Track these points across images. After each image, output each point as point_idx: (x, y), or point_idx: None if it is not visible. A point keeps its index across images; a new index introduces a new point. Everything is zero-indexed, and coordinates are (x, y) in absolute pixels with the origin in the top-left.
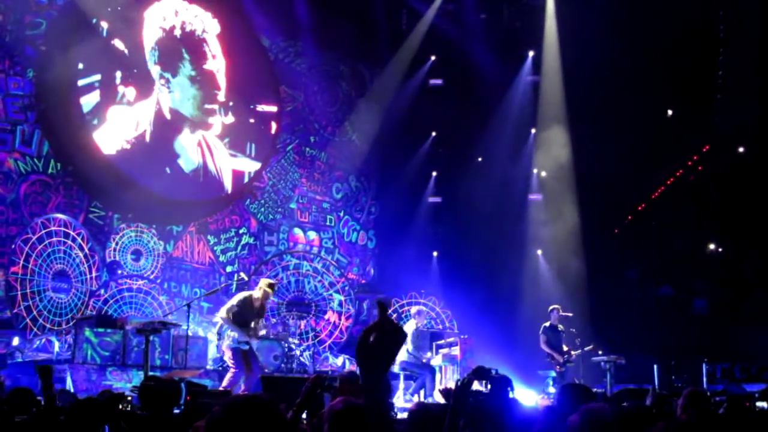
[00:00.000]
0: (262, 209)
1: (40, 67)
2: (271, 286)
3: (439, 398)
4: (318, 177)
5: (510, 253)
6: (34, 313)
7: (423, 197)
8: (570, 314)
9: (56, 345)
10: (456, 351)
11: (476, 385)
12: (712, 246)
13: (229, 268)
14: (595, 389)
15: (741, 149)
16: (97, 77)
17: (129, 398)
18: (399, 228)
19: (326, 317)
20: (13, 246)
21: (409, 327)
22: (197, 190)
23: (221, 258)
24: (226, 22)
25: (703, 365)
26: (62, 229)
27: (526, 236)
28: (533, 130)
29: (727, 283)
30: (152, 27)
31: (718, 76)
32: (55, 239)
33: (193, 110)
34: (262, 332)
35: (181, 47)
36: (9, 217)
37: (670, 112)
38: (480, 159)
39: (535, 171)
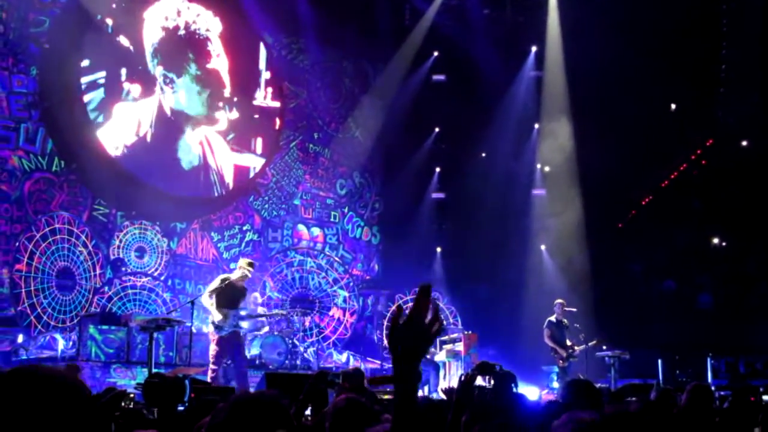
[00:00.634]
0: (266, 206)
1: (43, 65)
2: (250, 264)
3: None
4: (322, 173)
5: (514, 248)
6: (39, 310)
7: (426, 193)
8: (574, 309)
9: (60, 342)
10: (460, 346)
11: (479, 381)
12: (716, 240)
13: (232, 265)
14: (599, 384)
15: (744, 143)
16: (102, 74)
17: (132, 395)
18: (403, 224)
19: (330, 313)
20: (17, 244)
21: None
22: (199, 187)
23: (225, 255)
24: (228, 19)
25: (708, 360)
26: (66, 226)
27: (529, 231)
28: (536, 126)
29: (732, 277)
30: (154, 27)
31: (721, 70)
32: (59, 237)
33: (199, 109)
34: (243, 312)
35: (186, 47)
36: (13, 214)
37: (673, 106)
38: (483, 154)
39: (538, 166)
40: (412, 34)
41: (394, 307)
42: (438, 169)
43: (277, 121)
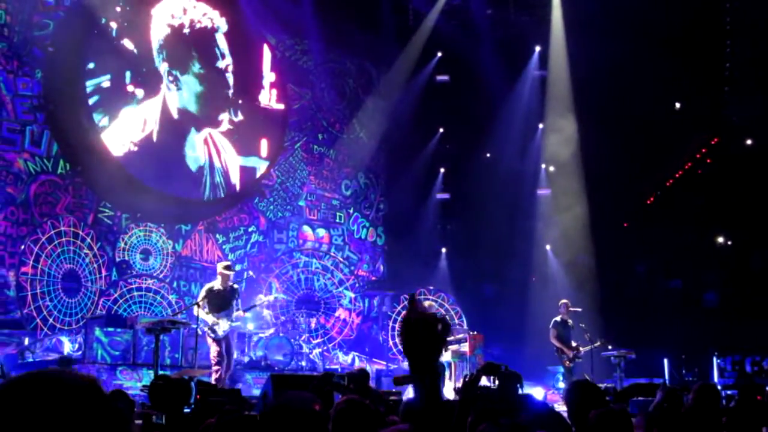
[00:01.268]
0: (271, 207)
1: (48, 68)
2: (226, 267)
3: (449, 395)
4: (327, 174)
5: (519, 248)
6: (44, 313)
7: (431, 193)
8: (579, 309)
9: (67, 345)
10: (465, 347)
11: (484, 381)
12: (721, 239)
13: (238, 267)
14: (605, 384)
15: (749, 141)
16: (107, 77)
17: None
18: (408, 224)
19: (336, 314)
20: (23, 246)
21: None
22: (204, 189)
23: (230, 256)
24: (234, 20)
25: (714, 359)
26: (72, 229)
27: (534, 231)
28: (541, 125)
29: (737, 275)
30: (160, 24)
31: (725, 69)
32: (64, 239)
33: (202, 108)
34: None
35: (191, 45)
36: (19, 217)
37: (678, 105)
38: (488, 154)
39: (543, 166)
40: (416, 34)
41: (399, 308)
42: (442, 170)
43: (281, 123)
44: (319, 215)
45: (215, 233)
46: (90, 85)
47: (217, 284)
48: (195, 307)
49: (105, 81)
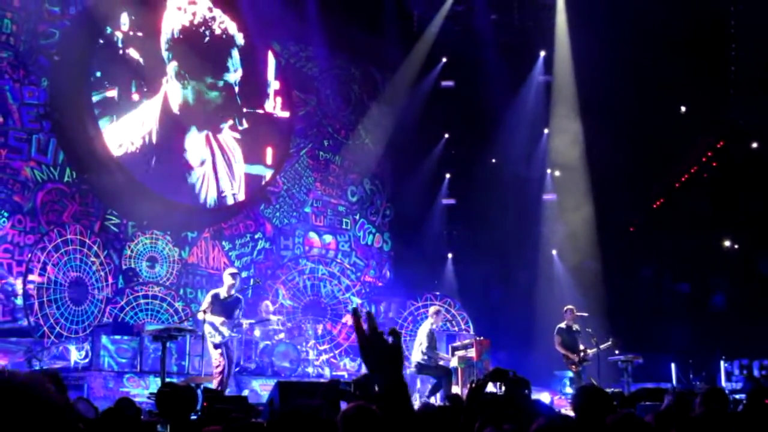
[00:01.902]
0: (277, 214)
1: (54, 77)
2: (231, 275)
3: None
4: (332, 180)
5: (525, 254)
6: (51, 321)
7: (437, 199)
8: (585, 314)
9: (74, 353)
10: (472, 352)
11: (490, 387)
12: (728, 242)
13: (244, 274)
14: (612, 389)
15: (755, 144)
16: (113, 86)
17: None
18: (414, 230)
19: (343, 320)
20: (30, 255)
21: (425, 327)
22: (209, 196)
23: (237, 263)
24: (245, 28)
25: (722, 363)
26: (78, 237)
27: (540, 236)
28: (546, 130)
29: (744, 279)
30: (173, 21)
31: (731, 72)
32: (71, 247)
33: (205, 113)
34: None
35: (207, 52)
36: (26, 225)
37: (683, 109)
38: (494, 160)
39: (548, 171)
40: (420, 40)
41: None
42: (448, 175)
43: (287, 130)
44: (326, 221)
45: (221, 240)
46: (95, 93)
47: (222, 291)
48: (201, 314)
49: (111, 89)
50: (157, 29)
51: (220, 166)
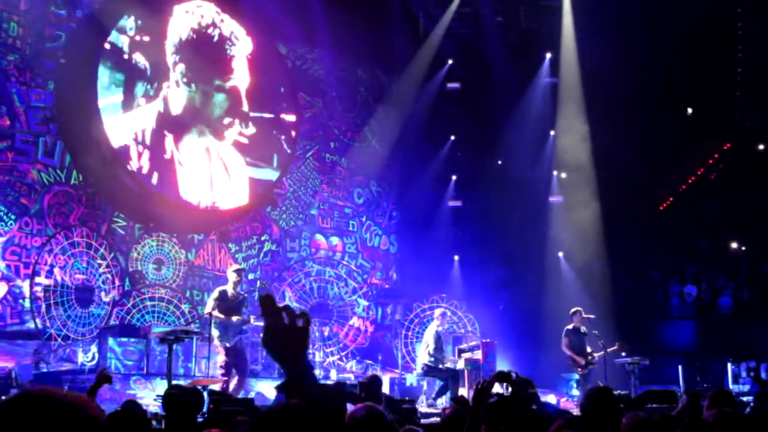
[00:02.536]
0: (284, 216)
1: (60, 79)
2: (235, 271)
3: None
4: (339, 182)
5: (531, 255)
6: (58, 323)
7: (443, 201)
8: (592, 316)
9: (80, 355)
10: (479, 355)
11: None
12: (735, 244)
13: (251, 276)
14: (619, 391)
15: (761, 146)
16: (118, 89)
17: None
18: (420, 232)
19: (350, 323)
20: (37, 257)
21: (431, 329)
22: (216, 199)
23: (243, 265)
24: (251, 31)
25: (729, 365)
26: (85, 239)
27: (547, 238)
28: (552, 132)
29: (752, 281)
30: (185, 21)
31: (737, 73)
32: (78, 250)
33: (210, 117)
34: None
35: (214, 55)
36: (33, 228)
37: (690, 111)
38: (500, 162)
39: (555, 173)
40: (426, 42)
41: (412, 316)
42: (454, 177)
43: (293, 132)
44: (332, 223)
45: (228, 242)
46: (101, 95)
47: (229, 289)
48: (208, 313)
49: (117, 92)
50: (164, 33)
51: (218, 172)
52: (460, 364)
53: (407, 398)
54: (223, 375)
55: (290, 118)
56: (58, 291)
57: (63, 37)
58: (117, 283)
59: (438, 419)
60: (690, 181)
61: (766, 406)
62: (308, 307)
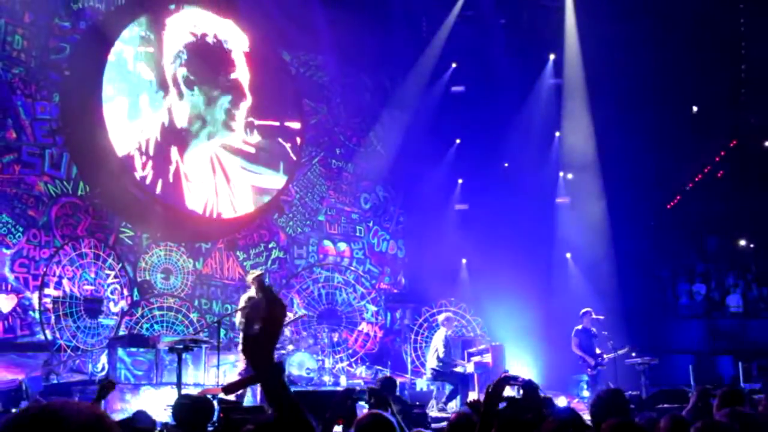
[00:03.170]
0: (291, 223)
1: (65, 91)
2: (253, 278)
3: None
4: (345, 188)
5: (539, 257)
6: (68, 334)
7: (450, 204)
8: (602, 317)
9: (90, 366)
10: (488, 358)
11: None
12: (743, 242)
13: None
14: (630, 392)
15: None
16: (123, 100)
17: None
18: (427, 236)
19: (359, 328)
20: (45, 269)
21: (439, 335)
22: (222, 208)
23: (261, 270)
24: (254, 39)
25: (740, 363)
26: (93, 250)
27: (554, 240)
28: (558, 133)
29: (760, 278)
30: (181, 29)
31: (741, 71)
32: (86, 261)
33: (217, 114)
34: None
35: (212, 55)
36: (41, 239)
37: (695, 109)
38: (506, 164)
39: (561, 174)
40: (430, 46)
41: (420, 321)
42: (460, 181)
43: (298, 139)
44: (340, 229)
45: (235, 250)
46: (106, 106)
47: (253, 293)
48: (237, 318)
49: (122, 102)
50: (162, 46)
51: (222, 181)
52: (470, 368)
53: (417, 403)
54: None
55: (295, 125)
56: (67, 302)
57: (67, 49)
58: (125, 293)
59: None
60: (697, 179)
61: None
62: (316, 313)
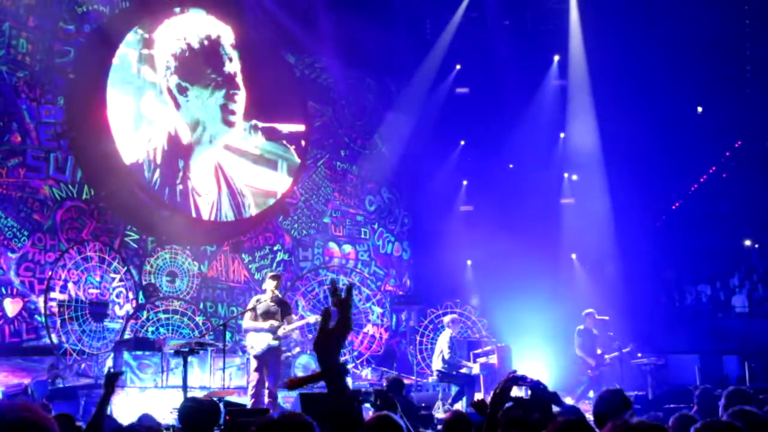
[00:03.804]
0: (296, 225)
1: (70, 95)
2: (272, 277)
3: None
4: (350, 190)
5: (544, 258)
6: (74, 338)
7: (455, 206)
8: (606, 317)
9: (96, 369)
10: (494, 359)
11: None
12: (748, 242)
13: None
14: (636, 392)
15: None
16: (128, 103)
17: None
18: (432, 238)
19: (365, 330)
20: (51, 272)
21: (444, 336)
22: (227, 210)
23: (256, 276)
24: (252, 41)
25: (746, 363)
26: (98, 254)
27: (559, 240)
28: (562, 134)
29: (766, 278)
30: (166, 40)
31: (746, 71)
32: (91, 264)
33: (213, 112)
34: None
35: (199, 54)
36: (47, 243)
37: (700, 109)
38: (511, 165)
39: (566, 174)
40: (434, 48)
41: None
42: (465, 182)
43: (303, 142)
44: (345, 231)
45: (240, 253)
46: (111, 110)
47: (264, 296)
48: (245, 320)
49: (126, 106)
50: (157, 55)
51: (228, 183)
52: (476, 369)
53: (423, 404)
54: (253, 386)
55: (300, 127)
56: (72, 306)
57: (72, 53)
58: (131, 296)
59: None
60: (702, 179)
61: None
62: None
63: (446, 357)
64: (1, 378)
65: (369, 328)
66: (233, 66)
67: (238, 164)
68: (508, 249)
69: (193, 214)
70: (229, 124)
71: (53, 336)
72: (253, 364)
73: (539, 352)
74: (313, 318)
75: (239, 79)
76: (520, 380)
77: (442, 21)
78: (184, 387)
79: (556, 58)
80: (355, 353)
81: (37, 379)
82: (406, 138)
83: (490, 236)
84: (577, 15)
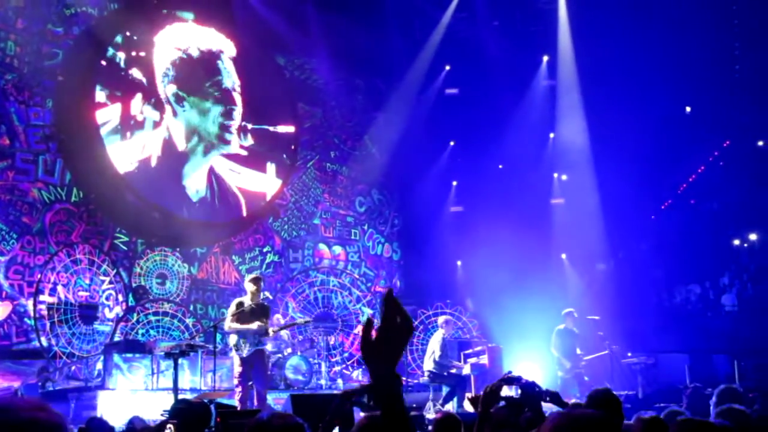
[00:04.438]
0: (286, 227)
1: (59, 97)
2: (251, 280)
3: (469, 408)
4: (340, 191)
5: (534, 258)
6: (63, 341)
7: (445, 207)
8: (597, 317)
9: (86, 372)
10: (485, 359)
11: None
12: (737, 241)
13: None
14: (626, 392)
15: (761, 143)
16: (116, 105)
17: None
18: (423, 239)
19: (356, 331)
20: (40, 275)
21: (436, 337)
22: (216, 213)
23: (247, 277)
24: (242, 43)
25: (735, 362)
26: (87, 256)
27: (550, 241)
28: (552, 134)
29: (755, 278)
30: (166, 48)
31: (735, 70)
32: (81, 267)
33: (210, 127)
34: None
35: (198, 66)
36: (36, 246)
37: (688, 109)
38: (500, 166)
39: (555, 175)
40: (424, 49)
41: (416, 323)
42: (455, 183)
43: (293, 143)
44: (335, 233)
45: (231, 255)
46: (100, 112)
47: (246, 299)
48: (227, 324)
49: (115, 108)
50: (153, 46)
51: (219, 186)
52: (467, 370)
53: (414, 405)
54: (236, 386)
55: (290, 129)
56: (62, 309)
57: (60, 55)
58: (121, 299)
59: None
60: (691, 179)
61: None
62: (312, 316)
63: (437, 358)
64: None
65: (359, 330)
66: (232, 81)
67: (228, 166)
68: (498, 249)
69: (184, 216)
70: (226, 141)
71: (43, 339)
72: (241, 366)
73: (530, 352)
74: (302, 320)
75: (238, 95)
76: (515, 381)
77: (432, 22)
78: (175, 389)
79: (546, 58)
80: (346, 354)
81: (27, 383)
82: (396, 139)
83: (481, 237)
84: (566, 15)
